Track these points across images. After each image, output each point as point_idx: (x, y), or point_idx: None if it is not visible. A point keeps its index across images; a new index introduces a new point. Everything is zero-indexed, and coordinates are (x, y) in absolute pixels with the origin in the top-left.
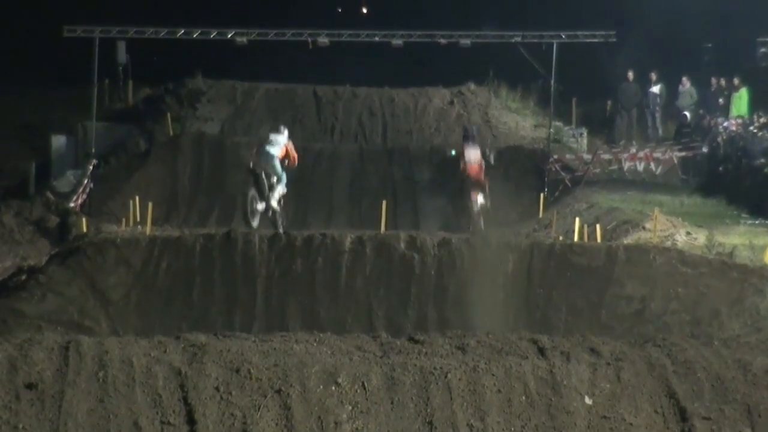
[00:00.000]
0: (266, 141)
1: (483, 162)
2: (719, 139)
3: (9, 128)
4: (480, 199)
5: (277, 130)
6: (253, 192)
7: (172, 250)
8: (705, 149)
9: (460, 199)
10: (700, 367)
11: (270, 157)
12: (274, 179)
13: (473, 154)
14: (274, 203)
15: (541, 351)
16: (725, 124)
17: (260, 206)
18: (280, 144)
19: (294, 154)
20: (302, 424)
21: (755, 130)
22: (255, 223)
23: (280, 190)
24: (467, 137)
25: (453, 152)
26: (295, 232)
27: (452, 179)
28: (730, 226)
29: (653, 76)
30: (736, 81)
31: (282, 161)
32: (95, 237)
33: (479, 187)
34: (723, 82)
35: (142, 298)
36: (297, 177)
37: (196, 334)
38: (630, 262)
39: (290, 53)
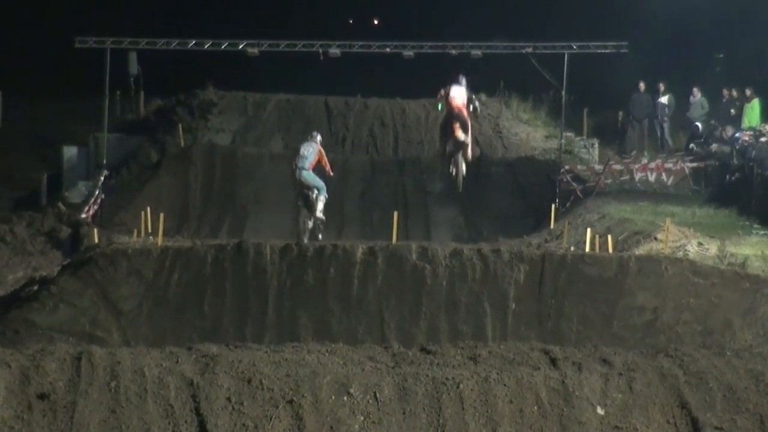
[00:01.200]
0: (298, 154)
1: (466, 102)
2: (733, 150)
3: (21, 139)
4: (461, 136)
5: (309, 139)
6: (303, 211)
7: (184, 261)
8: (716, 162)
9: (473, 209)
10: (712, 377)
11: (302, 171)
12: (315, 192)
13: (458, 93)
14: (320, 215)
15: (553, 361)
16: (737, 135)
17: (310, 223)
18: (311, 153)
19: (326, 160)
20: None
21: (765, 140)
22: (306, 238)
23: (322, 199)
24: (456, 79)
25: (440, 106)
26: (306, 243)
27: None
28: (742, 237)
29: (661, 87)
30: (748, 92)
31: (316, 169)
32: (107, 248)
33: (461, 122)
34: (734, 92)
35: (153, 308)
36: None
37: (207, 345)
38: (642, 272)
39: (301, 64)
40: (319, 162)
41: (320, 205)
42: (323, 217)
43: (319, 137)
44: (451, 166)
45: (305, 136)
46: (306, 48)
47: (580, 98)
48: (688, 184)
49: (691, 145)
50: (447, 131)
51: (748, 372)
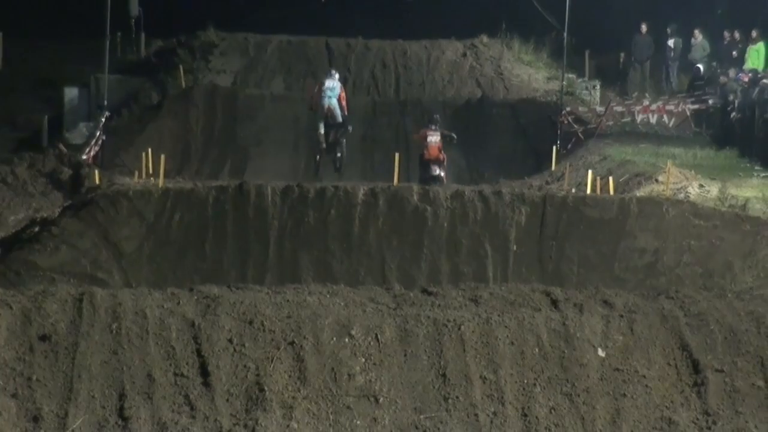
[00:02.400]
0: (322, 87)
1: (441, 144)
2: (735, 92)
3: (22, 81)
4: (437, 170)
5: (329, 75)
6: (321, 132)
7: (185, 203)
8: (713, 101)
9: (475, 151)
10: (713, 319)
11: (332, 99)
12: (340, 126)
13: (433, 138)
14: (343, 148)
15: (554, 303)
16: (739, 75)
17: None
18: (336, 88)
19: (345, 99)
20: (315, 376)
21: (767, 82)
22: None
23: (349, 128)
24: (431, 122)
25: (415, 135)
26: (308, 184)
27: (465, 131)
28: (743, 179)
29: (669, 30)
30: (754, 33)
31: (340, 104)
32: (108, 189)
33: (437, 163)
34: (737, 34)
35: (155, 250)
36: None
37: (209, 286)
38: (642, 214)
39: (303, 6)
40: (338, 99)
41: (344, 139)
42: (345, 150)
43: (338, 75)
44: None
45: (326, 73)
46: None
47: (582, 40)
48: (690, 126)
49: (697, 82)
50: (425, 167)
51: (749, 314)
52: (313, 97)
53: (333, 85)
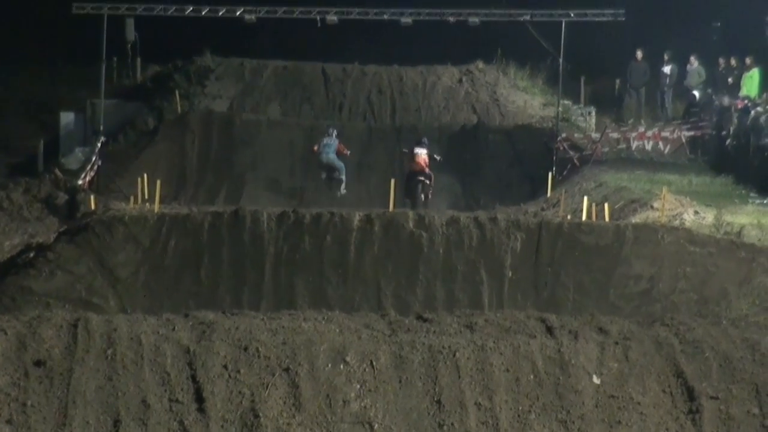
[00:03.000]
0: (321, 144)
1: (428, 159)
2: (730, 119)
3: (18, 105)
4: (421, 177)
5: (328, 134)
6: (323, 177)
7: (181, 228)
8: (708, 128)
9: (470, 177)
10: (708, 346)
11: (329, 155)
12: (337, 172)
13: (420, 153)
14: (343, 191)
15: (549, 330)
16: (734, 102)
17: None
18: (333, 143)
19: (343, 148)
20: (310, 402)
21: (761, 110)
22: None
23: (343, 179)
24: (419, 143)
25: (405, 149)
26: (304, 210)
27: (461, 158)
28: (738, 206)
29: (666, 56)
30: (748, 60)
31: (338, 156)
32: (103, 214)
33: (423, 175)
34: (734, 61)
35: (150, 275)
36: (306, 154)
37: (204, 312)
38: (638, 241)
39: (299, 31)
40: (339, 151)
41: (342, 185)
42: (345, 192)
43: (335, 132)
44: (410, 198)
45: (325, 132)
46: (303, 15)
47: (578, 66)
48: (685, 152)
49: (692, 109)
50: (410, 180)
51: (744, 341)
52: (315, 152)
53: (330, 141)
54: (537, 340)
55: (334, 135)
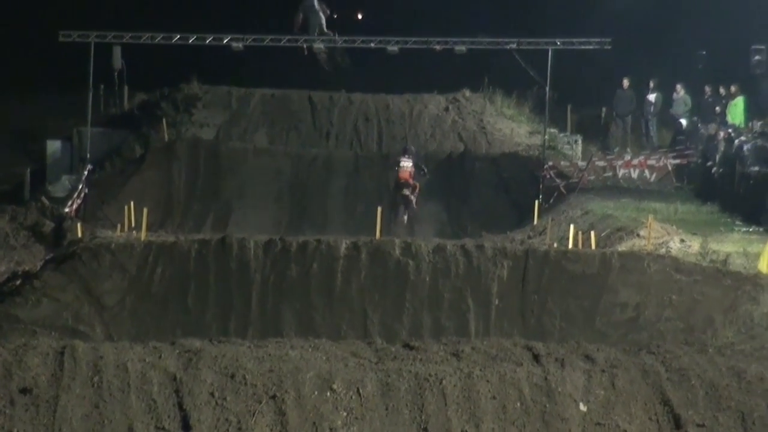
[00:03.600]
0: (398, 164)
1: (413, 170)
2: (719, 147)
3: (4, 133)
4: (406, 192)
5: (404, 152)
6: (401, 207)
7: (168, 256)
8: (694, 156)
9: (457, 205)
10: (695, 374)
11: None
12: (409, 190)
13: (405, 164)
14: (414, 206)
15: (536, 358)
16: (720, 132)
17: (405, 218)
18: (408, 161)
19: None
20: (297, 430)
21: (745, 139)
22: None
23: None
24: (405, 151)
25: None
26: (290, 237)
27: (448, 185)
28: (724, 234)
29: (651, 84)
30: (732, 89)
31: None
32: (90, 242)
33: (407, 187)
34: (722, 89)
35: (137, 303)
36: (292, 182)
37: (191, 340)
38: (624, 269)
39: (286, 59)
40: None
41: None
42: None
43: (413, 149)
44: (395, 211)
45: (402, 149)
46: (290, 43)
47: (564, 94)
48: (671, 180)
49: (679, 137)
50: (397, 189)
51: (730, 369)
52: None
53: (405, 161)
54: (524, 367)
55: (413, 151)
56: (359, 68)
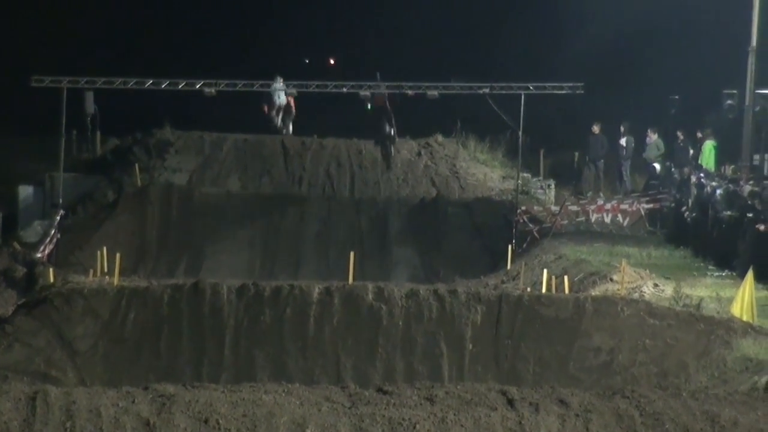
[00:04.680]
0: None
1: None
2: (691, 191)
3: None
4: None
5: None
6: None
7: (140, 301)
8: (667, 201)
9: (430, 250)
10: (668, 418)
11: None
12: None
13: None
14: None
15: (510, 402)
16: (692, 177)
17: None
18: None
19: None
20: None
21: (716, 183)
22: None
23: None
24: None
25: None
26: (264, 282)
27: (421, 230)
28: (697, 278)
29: (622, 128)
30: (699, 134)
31: None
32: (62, 287)
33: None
34: (699, 134)
35: (109, 348)
36: (265, 227)
37: (164, 385)
38: (598, 313)
39: (258, 104)
40: None
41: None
42: None
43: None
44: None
45: None
46: (263, 88)
47: (537, 139)
48: (644, 225)
49: (652, 182)
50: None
51: (704, 413)
52: None
53: None
54: (498, 412)
55: None
56: (332, 113)
